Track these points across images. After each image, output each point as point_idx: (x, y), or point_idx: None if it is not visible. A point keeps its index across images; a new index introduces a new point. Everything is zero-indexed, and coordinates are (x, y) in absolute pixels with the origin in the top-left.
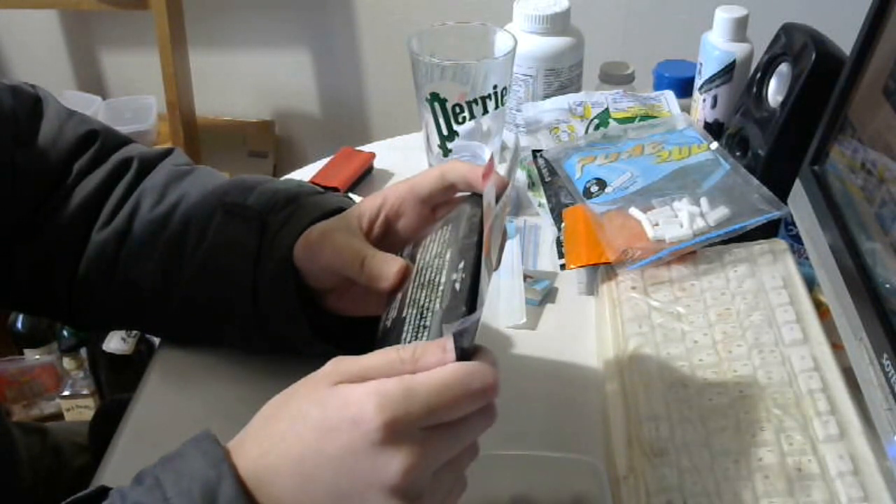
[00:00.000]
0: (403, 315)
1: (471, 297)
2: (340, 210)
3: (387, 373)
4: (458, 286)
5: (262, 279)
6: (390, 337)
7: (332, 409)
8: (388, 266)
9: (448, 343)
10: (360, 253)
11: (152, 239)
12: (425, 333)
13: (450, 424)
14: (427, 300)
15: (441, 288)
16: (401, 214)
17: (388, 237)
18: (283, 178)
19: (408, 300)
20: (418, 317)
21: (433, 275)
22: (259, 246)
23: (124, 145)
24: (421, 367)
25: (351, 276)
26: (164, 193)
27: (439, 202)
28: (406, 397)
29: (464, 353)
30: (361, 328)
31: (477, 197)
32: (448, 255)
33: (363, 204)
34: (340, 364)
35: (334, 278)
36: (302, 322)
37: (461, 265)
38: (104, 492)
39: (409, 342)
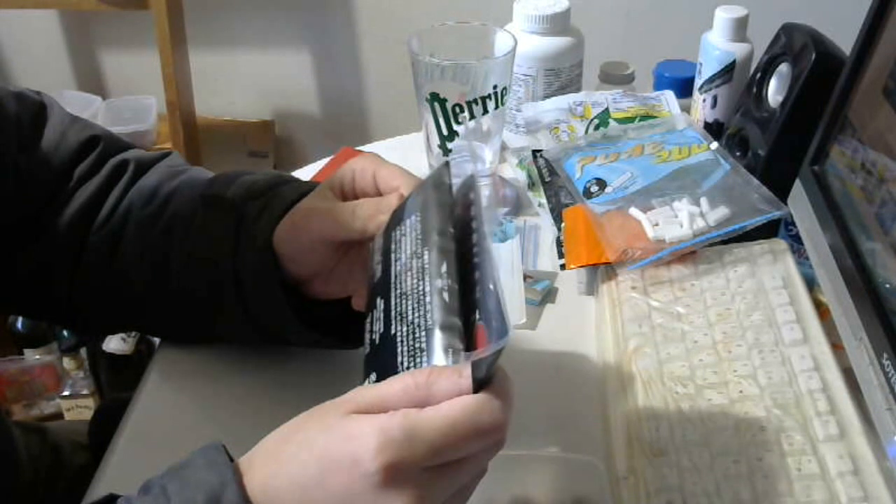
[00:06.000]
0: (393, 332)
1: (463, 308)
2: None
3: (402, 400)
4: (446, 296)
5: (244, 269)
6: (381, 355)
7: (335, 441)
8: (380, 202)
9: (465, 369)
10: (347, 207)
11: (144, 237)
12: (423, 357)
13: (456, 461)
14: (416, 315)
15: (427, 299)
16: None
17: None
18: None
19: (393, 313)
20: (410, 337)
21: (414, 281)
22: (236, 235)
23: (125, 150)
24: (434, 392)
25: (344, 232)
26: (155, 193)
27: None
28: (409, 437)
29: (480, 381)
30: (349, 318)
31: (444, 170)
32: (426, 257)
33: (331, 178)
34: (358, 392)
35: (318, 258)
36: (286, 311)
37: (444, 269)
38: (112, 500)
39: (408, 367)
